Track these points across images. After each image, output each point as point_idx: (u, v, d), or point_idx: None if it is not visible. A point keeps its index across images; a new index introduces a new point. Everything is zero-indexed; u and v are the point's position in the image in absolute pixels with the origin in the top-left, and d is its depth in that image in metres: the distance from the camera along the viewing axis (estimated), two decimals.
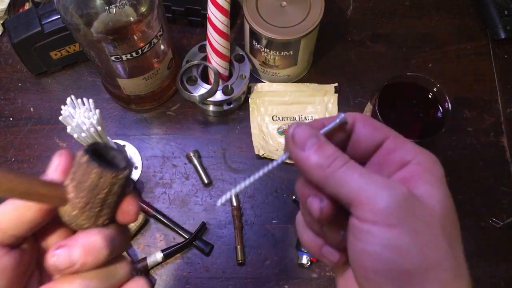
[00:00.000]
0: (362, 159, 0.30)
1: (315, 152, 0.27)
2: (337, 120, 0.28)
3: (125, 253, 0.61)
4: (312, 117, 0.71)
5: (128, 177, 0.28)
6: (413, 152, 0.28)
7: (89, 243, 0.27)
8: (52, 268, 0.27)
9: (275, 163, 0.30)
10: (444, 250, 0.25)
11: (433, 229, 0.25)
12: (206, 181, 0.68)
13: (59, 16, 0.66)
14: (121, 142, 0.70)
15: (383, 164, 0.29)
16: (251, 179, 0.30)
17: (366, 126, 0.29)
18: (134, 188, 0.64)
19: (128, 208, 0.29)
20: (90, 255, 0.27)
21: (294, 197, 0.66)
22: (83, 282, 0.27)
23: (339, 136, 0.29)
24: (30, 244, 0.29)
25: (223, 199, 0.30)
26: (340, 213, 0.28)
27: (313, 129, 0.28)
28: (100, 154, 0.28)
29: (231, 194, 0.30)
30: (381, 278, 0.25)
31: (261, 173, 0.30)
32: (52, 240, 0.29)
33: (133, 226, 0.63)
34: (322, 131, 0.28)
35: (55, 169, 0.28)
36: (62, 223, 0.28)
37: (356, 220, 0.26)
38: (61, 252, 0.27)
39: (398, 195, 0.25)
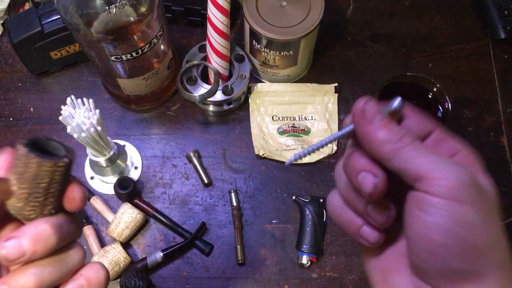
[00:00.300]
0: None
1: (385, 127, 0.27)
2: (396, 104, 0.29)
3: (123, 253, 0.61)
4: (312, 117, 0.72)
5: (69, 165, 0.29)
6: (460, 144, 0.29)
7: (37, 232, 0.28)
8: (3, 259, 0.27)
9: (340, 133, 0.30)
10: (501, 234, 0.27)
11: (494, 213, 0.27)
12: (206, 181, 0.68)
13: (59, 16, 0.66)
14: (121, 142, 0.70)
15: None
16: (319, 144, 0.31)
17: (416, 115, 0.30)
18: (134, 188, 0.64)
19: (73, 195, 0.30)
20: (39, 243, 0.28)
21: (294, 197, 0.67)
22: (36, 271, 0.28)
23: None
24: None
25: (292, 159, 0.31)
26: (390, 192, 0.28)
27: (380, 108, 0.28)
28: (41, 146, 0.29)
29: (301, 155, 0.31)
30: (449, 252, 0.26)
31: (327, 140, 0.31)
32: (3, 234, 0.30)
33: (133, 226, 0.63)
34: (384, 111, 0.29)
35: None
36: (12, 217, 0.29)
37: (425, 194, 0.26)
38: (10, 243, 0.27)
39: (468, 176, 0.26)
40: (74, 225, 0.30)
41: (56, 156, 0.29)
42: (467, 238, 0.25)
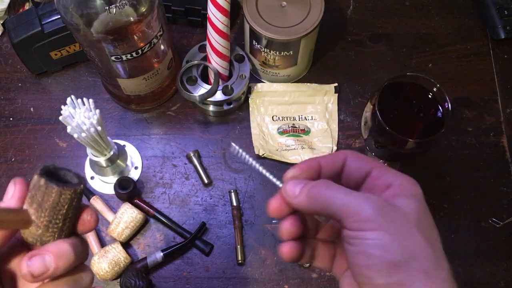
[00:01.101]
0: (356, 187, 0.36)
1: (303, 191, 0.33)
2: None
3: (123, 253, 0.61)
4: (312, 117, 0.72)
5: (84, 190, 0.31)
6: (394, 177, 0.34)
7: (58, 249, 0.30)
8: (28, 276, 0.29)
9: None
10: (422, 245, 0.31)
11: (409, 229, 0.31)
12: (206, 181, 0.68)
13: (59, 16, 0.66)
14: (121, 142, 0.70)
15: (372, 189, 0.34)
16: None
17: (356, 160, 0.35)
18: (134, 188, 0.64)
19: (88, 218, 0.32)
20: (60, 260, 0.30)
21: None
22: None
23: (334, 169, 0.36)
24: None
25: None
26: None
27: (298, 180, 0.35)
28: (52, 174, 0.31)
29: None
30: (372, 271, 0.31)
31: None
32: (14, 263, 0.32)
33: (133, 226, 0.63)
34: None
35: (11, 197, 0.31)
36: (21, 248, 0.31)
37: (347, 230, 0.32)
38: (35, 259, 0.29)
39: (376, 204, 0.31)
40: (85, 247, 0.33)
41: (72, 183, 0.31)
42: (383, 256, 0.30)
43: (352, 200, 0.31)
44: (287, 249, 0.36)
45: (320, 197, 0.33)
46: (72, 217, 0.31)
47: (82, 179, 0.32)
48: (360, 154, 0.36)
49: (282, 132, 0.71)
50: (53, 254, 0.29)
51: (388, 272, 0.30)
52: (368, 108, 0.56)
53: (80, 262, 0.32)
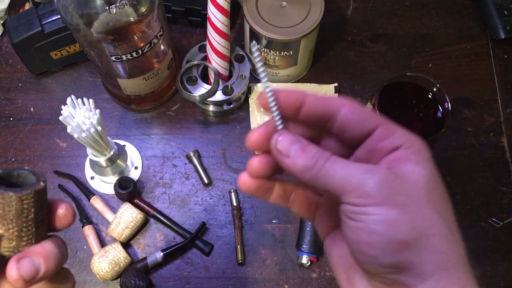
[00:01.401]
0: (353, 143, 0.31)
1: (300, 156, 0.29)
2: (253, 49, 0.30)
3: (123, 253, 0.61)
4: None
5: (46, 186, 0.28)
6: (403, 138, 0.29)
7: (44, 249, 0.28)
8: (19, 281, 0.27)
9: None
10: (433, 219, 0.27)
11: (418, 201, 0.27)
12: (206, 181, 0.68)
13: (59, 16, 0.66)
14: (121, 142, 0.70)
15: (374, 150, 0.30)
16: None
17: (355, 113, 0.30)
18: (134, 188, 0.64)
19: (63, 213, 0.30)
20: (49, 260, 0.28)
21: None
22: None
23: (322, 116, 0.30)
24: None
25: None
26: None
27: (295, 136, 0.30)
28: (4, 179, 0.28)
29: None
30: (376, 250, 0.27)
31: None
32: None
33: (133, 226, 0.63)
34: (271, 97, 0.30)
35: None
36: None
37: (348, 205, 0.28)
38: (24, 262, 0.27)
39: (379, 177, 0.27)
40: (65, 246, 0.30)
41: (30, 183, 0.28)
42: (388, 233, 0.27)
43: (351, 174, 0.27)
44: (244, 179, 0.32)
45: (319, 165, 0.28)
46: (44, 217, 0.29)
47: (40, 175, 0.29)
48: (361, 107, 0.30)
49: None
50: (40, 256, 0.28)
51: (393, 251, 0.27)
52: (368, 108, 0.56)
53: (64, 262, 0.30)
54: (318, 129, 0.32)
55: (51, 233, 0.31)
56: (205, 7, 0.66)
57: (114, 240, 0.64)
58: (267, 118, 0.71)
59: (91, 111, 0.55)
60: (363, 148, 0.30)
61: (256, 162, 0.31)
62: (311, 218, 0.35)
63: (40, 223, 0.28)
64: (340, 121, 0.30)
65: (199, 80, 0.68)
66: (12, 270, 0.27)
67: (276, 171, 0.32)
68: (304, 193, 0.34)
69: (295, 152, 0.29)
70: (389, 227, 0.27)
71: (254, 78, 0.75)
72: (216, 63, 0.67)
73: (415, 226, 0.27)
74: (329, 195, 0.32)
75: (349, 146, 0.31)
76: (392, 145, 0.29)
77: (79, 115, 0.54)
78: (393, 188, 0.27)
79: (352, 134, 0.30)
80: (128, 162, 0.67)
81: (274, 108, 0.30)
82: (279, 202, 0.33)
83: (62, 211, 0.30)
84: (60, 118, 0.54)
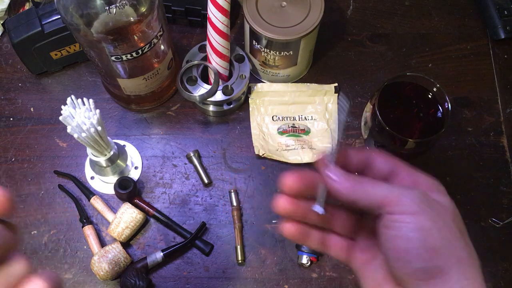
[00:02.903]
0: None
1: (347, 180, 0.34)
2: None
3: (123, 253, 0.61)
4: (312, 117, 0.72)
5: None
6: (423, 177, 0.36)
7: None
8: None
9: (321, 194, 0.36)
10: (457, 235, 0.32)
11: (446, 219, 0.32)
12: (206, 181, 0.68)
13: (59, 16, 0.66)
14: (121, 142, 0.70)
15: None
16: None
17: (383, 158, 0.37)
18: (134, 188, 0.64)
19: None
20: None
21: None
22: None
23: (361, 163, 0.38)
24: None
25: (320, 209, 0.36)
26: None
27: (339, 169, 0.35)
28: None
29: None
30: (412, 255, 0.31)
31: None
32: None
33: (133, 226, 0.63)
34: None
35: None
36: None
37: (387, 215, 0.32)
38: None
39: (417, 193, 0.33)
40: (10, 233, 0.29)
41: None
42: (423, 240, 0.31)
43: (393, 190, 0.33)
44: (289, 226, 0.36)
45: (362, 186, 0.34)
46: None
47: None
48: (387, 154, 0.37)
49: (282, 132, 0.71)
50: None
51: (427, 256, 0.31)
52: (368, 108, 0.56)
53: (9, 247, 0.28)
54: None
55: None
56: (205, 7, 0.66)
57: (114, 240, 0.64)
58: (267, 119, 0.71)
59: (91, 111, 0.55)
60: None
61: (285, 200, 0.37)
62: (346, 259, 0.39)
63: None
64: (373, 165, 0.37)
65: (199, 80, 0.68)
66: None
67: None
68: (339, 238, 0.38)
69: (342, 176, 0.35)
70: (423, 234, 0.31)
71: (254, 78, 0.75)
72: (216, 63, 0.67)
73: (444, 237, 0.32)
74: (366, 225, 0.38)
75: None
76: (414, 181, 0.35)
77: (79, 115, 0.54)
78: (426, 204, 0.32)
79: (382, 174, 0.37)
80: (128, 162, 0.67)
81: (332, 159, 0.36)
82: (317, 246, 0.38)
83: None
84: (60, 118, 0.54)
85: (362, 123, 0.58)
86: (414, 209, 0.31)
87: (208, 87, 0.67)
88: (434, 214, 0.32)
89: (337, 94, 0.73)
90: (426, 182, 0.35)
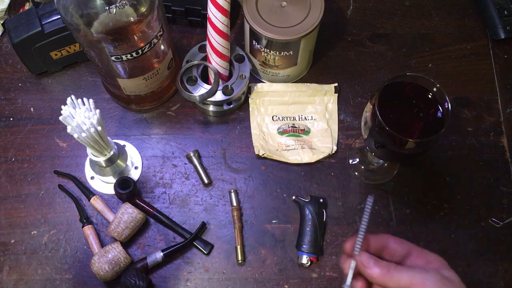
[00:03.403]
0: (399, 262, 0.46)
1: (376, 266, 0.44)
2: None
3: (123, 253, 0.61)
4: (312, 117, 0.72)
5: None
6: (432, 255, 0.45)
7: None
8: None
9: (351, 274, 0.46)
10: None
11: None
12: (206, 181, 0.68)
13: (59, 16, 0.66)
14: (121, 142, 0.70)
15: (415, 264, 0.45)
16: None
17: (397, 241, 0.47)
18: (134, 188, 0.64)
19: None
20: None
21: (294, 197, 0.67)
22: None
23: (379, 247, 0.47)
24: None
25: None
26: None
27: (370, 255, 0.45)
28: None
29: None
30: None
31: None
32: None
33: (133, 226, 0.63)
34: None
35: None
36: None
37: None
38: None
39: (436, 275, 0.42)
40: None
41: None
42: None
43: (414, 275, 0.42)
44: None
45: (390, 271, 0.43)
46: None
47: None
48: (399, 238, 0.47)
49: (282, 132, 0.71)
50: None
51: None
52: (368, 108, 0.56)
53: None
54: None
55: None
56: (205, 7, 0.66)
57: (114, 240, 0.64)
58: (267, 119, 0.71)
59: (91, 111, 0.55)
60: (406, 265, 0.46)
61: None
62: None
63: None
64: (389, 247, 0.47)
65: (199, 80, 0.68)
66: None
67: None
68: None
69: (372, 263, 0.44)
70: None
71: (254, 78, 0.75)
72: (216, 63, 0.67)
73: None
74: None
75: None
76: (425, 259, 0.45)
77: (79, 115, 0.54)
78: (444, 283, 0.42)
79: (397, 255, 0.46)
80: (128, 162, 0.67)
81: (359, 245, 0.46)
82: None
83: None
84: (60, 118, 0.54)
85: (362, 123, 0.58)
86: None
87: (208, 87, 0.67)
88: None
89: (337, 94, 0.73)
90: (436, 260, 0.45)
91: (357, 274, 0.46)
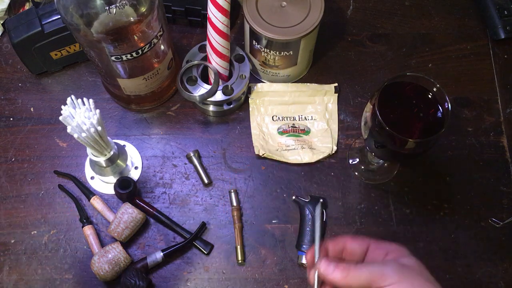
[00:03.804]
0: (360, 260, 0.47)
1: (335, 271, 0.44)
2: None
3: (123, 253, 0.61)
4: (312, 117, 0.72)
5: None
6: (389, 245, 0.46)
7: None
8: None
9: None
10: (431, 286, 0.42)
11: (419, 278, 0.42)
12: (206, 181, 0.68)
13: (59, 16, 0.66)
14: (121, 142, 0.70)
15: (375, 258, 0.46)
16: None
17: (354, 240, 0.47)
18: (134, 188, 0.64)
19: None
20: None
21: (294, 197, 0.67)
22: None
23: (338, 250, 0.48)
24: None
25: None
26: None
27: (330, 261, 0.44)
28: None
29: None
30: None
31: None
32: None
33: (133, 226, 0.63)
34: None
35: None
36: None
37: None
38: None
39: (394, 266, 0.42)
40: None
41: None
42: None
43: (374, 269, 0.42)
44: None
45: (350, 272, 0.43)
46: None
47: None
48: (356, 236, 0.47)
49: (282, 132, 0.71)
50: None
51: None
52: (368, 108, 0.56)
53: None
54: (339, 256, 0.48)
55: None
56: (205, 7, 0.66)
57: (114, 240, 0.64)
58: (267, 119, 0.71)
59: (91, 111, 0.55)
60: (367, 259, 0.47)
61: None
62: None
63: None
64: (348, 248, 0.47)
65: (199, 80, 0.68)
66: None
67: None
68: None
69: (332, 269, 0.44)
70: None
71: (254, 78, 0.75)
72: (216, 63, 0.67)
73: None
74: None
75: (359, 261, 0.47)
76: (383, 250, 0.46)
77: (79, 115, 0.54)
78: (403, 272, 0.42)
79: (357, 253, 0.47)
80: (128, 162, 0.67)
81: (317, 253, 0.47)
82: None
83: None
84: (60, 118, 0.54)
85: (362, 123, 0.58)
86: (396, 279, 0.41)
87: (208, 87, 0.67)
88: (410, 279, 0.41)
89: (337, 94, 0.73)
90: (395, 251, 0.45)
91: (323, 283, 0.46)
